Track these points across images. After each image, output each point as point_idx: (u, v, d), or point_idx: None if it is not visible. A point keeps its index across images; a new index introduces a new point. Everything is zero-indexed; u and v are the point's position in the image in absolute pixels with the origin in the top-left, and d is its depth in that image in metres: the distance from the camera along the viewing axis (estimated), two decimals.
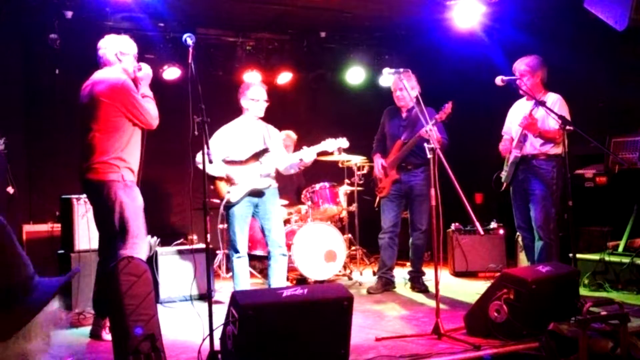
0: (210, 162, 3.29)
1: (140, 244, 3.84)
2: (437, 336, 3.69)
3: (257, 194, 4.60)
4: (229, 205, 4.57)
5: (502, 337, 3.52)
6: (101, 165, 3.77)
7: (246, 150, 4.62)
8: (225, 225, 6.24)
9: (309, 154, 4.62)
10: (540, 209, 4.73)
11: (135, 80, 4.01)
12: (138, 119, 3.86)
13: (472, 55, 6.86)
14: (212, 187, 4.66)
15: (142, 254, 3.82)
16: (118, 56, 3.96)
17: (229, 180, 4.56)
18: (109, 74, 3.90)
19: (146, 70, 4.05)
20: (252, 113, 4.70)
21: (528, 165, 4.80)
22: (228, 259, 6.37)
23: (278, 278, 4.66)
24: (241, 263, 4.61)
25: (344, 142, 4.71)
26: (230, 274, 6.08)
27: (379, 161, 5.47)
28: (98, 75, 3.92)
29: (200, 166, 4.50)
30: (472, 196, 6.87)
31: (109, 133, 3.80)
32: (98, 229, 4.06)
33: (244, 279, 4.61)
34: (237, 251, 4.58)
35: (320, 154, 4.79)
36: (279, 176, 4.90)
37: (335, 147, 4.69)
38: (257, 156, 4.61)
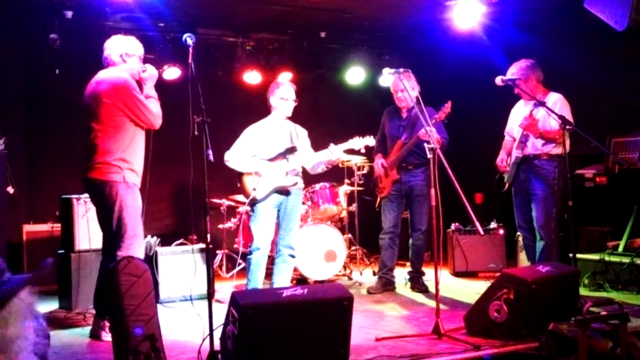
0: (210, 161, 3.29)
1: (137, 244, 3.84)
2: (437, 336, 3.69)
3: (283, 192, 4.61)
4: (255, 202, 4.58)
5: (502, 337, 3.52)
6: (103, 165, 3.77)
7: (274, 148, 4.64)
8: (228, 225, 6.30)
9: (336, 152, 4.61)
10: (541, 209, 4.72)
11: (140, 81, 4.01)
12: (139, 118, 3.86)
13: (472, 55, 6.86)
14: (238, 184, 4.69)
15: (139, 255, 3.82)
16: (123, 57, 3.96)
17: (257, 175, 4.58)
18: (111, 73, 3.90)
19: (151, 71, 4.05)
20: (281, 112, 4.73)
21: (530, 165, 4.80)
22: (228, 259, 6.39)
23: (283, 278, 4.67)
24: (260, 260, 4.57)
25: (370, 141, 4.72)
26: (231, 274, 6.11)
27: (379, 160, 5.47)
28: (101, 75, 3.92)
29: (229, 163, 4.58)
30: (472, 196, 6.87)
31: (111, 133, 3.79)
32: (100, 228, 4.06)
33: (259, 275, 4.57)
34: (257, 247, 4.55)
35: (345, 152, 4.78)
36: None
37: (362, 145, 4.69)
38: (284, 154, 4.62)
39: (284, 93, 4.72)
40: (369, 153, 5.71)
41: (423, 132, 4.80)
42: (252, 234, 4.63)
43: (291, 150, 4.64)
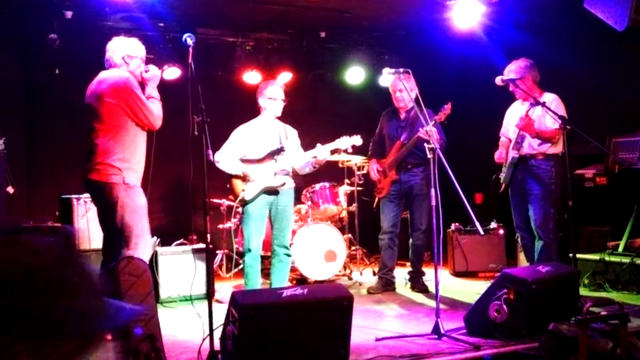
0: (210, 162, 3.29)
1: (143, 244, 3.83)
2: (437, 336, 3.69)
3: (273, 192, 4.61)
4: (244, 203, 4.58)
5: (502, 337, 3.53)
6: (103, 166, 3.76)
7: (262, 149, 4.64)
8: (228, 225, 6.30)
9: (322, 152, 4.62)
10: (539, 209, 4.73)
11: (142, 82, 4.00)
12: (139, 118, 3.85)
13: (472, 55, 6.86)
14: (228, 185, 4.69)
15: (146, 254, 3.82)
16: (125, 59, 3.95)
17: (245, 178, 4.58)
18: (113, 73, 3.90)
19: (153, 72, 4.04)
20: (270, 112, 4.73)
21: (526, 165, 4.80)
22: (228, 259, 6.39)
23: (280, 277, 4.67)
24: (253, 262, 4.58)
25: (357, 140, 4.71)
26: (230, 274, 6.11)
27: (374, 166, 5.48)
28: (102, 75, 3.92)
29: (218, 165, 4.58)
30: (472, 196, 6.87)
31: (112, 132, 3.79)
32: (101, 228, 4.06)
33: (254, 278, 4.59)
34: (249, 249, 4.56)
35: (332, 152, 4.79)
36: None
37: (349, 144, 4.69)
38: (272, 155, 4.62)
39: (272, 93, 4.72)
40: (364, 153, 5.72)
41: (423, 132, 4.79)
42: (244, 235, 4.63)
43: (279, 151, 4.64)
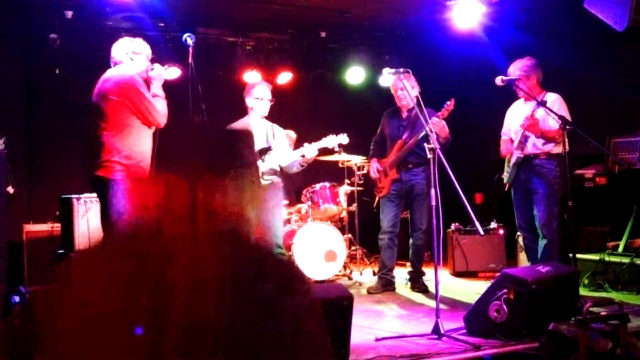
0: None
1: None
2: (437, 336, 3.68)
3: None
4: None
5: (502, 337, 3.52)
6: (110, 163, 3.77)
7: None
8: None
9: (310, 150, 4.64)
10: (543, 208, 4.72)
11: (147, 80, 4.01)
12: (143, 115, 3.85)
13: (472, 55, 6.86)
14: None
15: None
16: (129, 55, 3.97)
17: None
18: (117, 71, 3.91)
19: (158, 70, 4.05)
20: (257, 112, 4.75)
21: (530, 165, 4.80)
22: None
23: None
24: None
25: (344, 138, 4.73)
26: None
27: (374, 165, 5.48)
28: (107, 73, 3.93)
29: None
30: (472, 196, 6.87)
31: (117, 130, 3.79)
32: (102, 228, 4.06)
33: None
34: None
35: (322, 152, 4.81)
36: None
37: (335, 143, 4.72)
38: (259, 154, 4.63)
39: (259, 93, 4.75)
40: (369, 153, 5.70)
41: (427, 132, 4.80)
42: None
43: (265, 150, 4.65)
